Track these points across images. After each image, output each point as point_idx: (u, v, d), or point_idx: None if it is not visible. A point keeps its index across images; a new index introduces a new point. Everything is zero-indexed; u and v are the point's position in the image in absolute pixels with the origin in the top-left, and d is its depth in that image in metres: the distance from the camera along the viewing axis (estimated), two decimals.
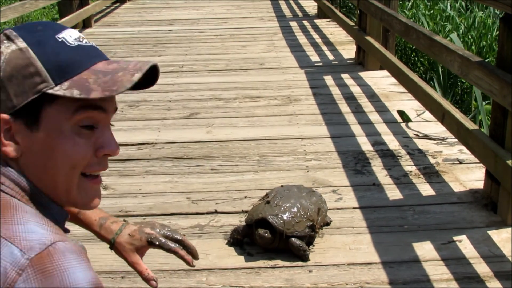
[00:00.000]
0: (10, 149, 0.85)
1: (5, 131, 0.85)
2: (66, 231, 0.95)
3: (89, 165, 0.90)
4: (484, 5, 6.88)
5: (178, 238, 1.30)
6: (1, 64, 0.84)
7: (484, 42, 5.86)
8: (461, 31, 6.31)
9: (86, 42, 0.90)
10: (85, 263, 0.79)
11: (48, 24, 0.91)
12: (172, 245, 1.28)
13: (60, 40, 0.87)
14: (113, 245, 1.27)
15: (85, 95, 0.84)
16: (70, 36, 0.89)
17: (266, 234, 2.10)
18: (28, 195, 0.86)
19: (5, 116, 0.84)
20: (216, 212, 2.48)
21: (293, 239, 2.11)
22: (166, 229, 1.30)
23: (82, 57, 0.87)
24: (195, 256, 1.32)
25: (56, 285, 0.74)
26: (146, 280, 1.26)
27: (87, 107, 0.86)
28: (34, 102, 0.84)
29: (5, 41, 0.87)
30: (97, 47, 0.93)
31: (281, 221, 2.12)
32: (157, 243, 1.27)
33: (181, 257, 1.30)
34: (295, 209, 2.17)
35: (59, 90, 0.84)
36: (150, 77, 0.94)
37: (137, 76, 0.87)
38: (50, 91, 0.84)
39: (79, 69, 0.86)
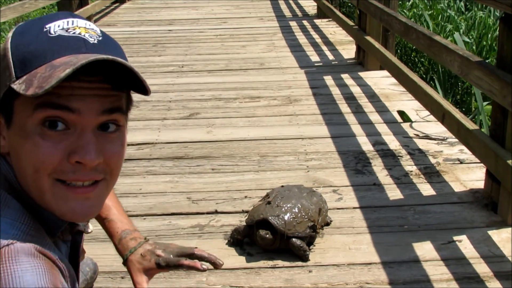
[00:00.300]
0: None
1: None
2: (76, 241, 0.92)
3: (61, 171, 0.80)
4: (484, 5, 6.88)
5: (189, 252, 1.25)
6: None
7: (484, 42, 5.86)
8: (461, 31, 6.31)
9: (75, 33, 0.81)
10: (42, 267, 0.73)
11: (52, 14, 0.85)
12: (177, 260, 1.23)
13: (45, 30, 0.81)
14: (125, 262, 1.26)
15: (24, 92, 0.76)
16: (59, 25, 0.81)
17: (267, 235, 2.10)
18: (15, 193, 0.83)
19: None
20: (216, 212, 2.48)
21: (293, 239, 2.11)
22: (176, 249, 1.26)
23: (49, 49, 0.79)
24: (214, 263, 1.25)
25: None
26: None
27: (45, 105, 0.78)
28: (7, 97, 0.80)
29: None
30: (93, 39, 0.83)
31: (282, 222, 2.11)
32: (163, 264, 1.22)
33: (188, 267, 1.24)
34: (296, 210, 2.17)
35: (16, 84, 0.78)
36: (127, 76, 0.83)
37: (68, 71, 0.75)
38: (12, 85, 0.78)
39: (40, 62, 0.78)
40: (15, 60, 0.79)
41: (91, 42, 0.82)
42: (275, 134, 3.37)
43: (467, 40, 5.73)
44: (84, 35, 0.82)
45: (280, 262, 2.11)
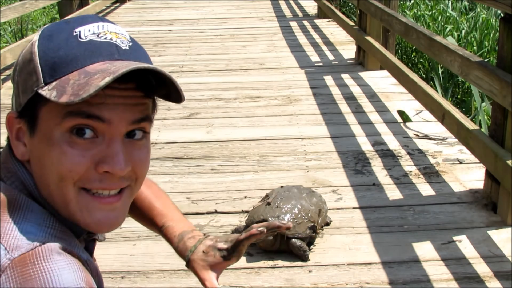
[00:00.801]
0: (18, 150, 0.79)
1: (17, 130, 0.79)
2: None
3: (88, 180, 0.77)
4: (486, 6, 6.88)
5: (248, 232, 1.11)
6: (19, 59, 0.80)
7: (486, 43, 5.86)
8: (463, 31, 6.31)
9: (106, 38, 0.79)
10: (76, 265, 0.72)
11: (82, 17, 0.82)
12: (234, 243, 1.11)
13: (74, 34, 0.77)
14: (188, 263, 1.17)
15: (56, 99, 0.73)
16: (89, 30, 0.78)
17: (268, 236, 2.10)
18: (34, 201, 0.79)
19: (12, 114, 0.79)
20: (216, 212, 2.48)
21: (293, 239, 2.11)
22: (235, 236, 1.14)
23: (81, 55, 0.76)
24: (278, 227, 1.12)
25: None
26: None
27: (76, 115, 0.75)
28: (32, 102, 0.77)
29: None
30: (124, 45, 0.81)
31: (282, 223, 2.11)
32: (227, 255, 1.12)
33: (246, 238, 1.09)
34: (296, 211, 2.17)
35: (45, 90, 0.75)
36: (160, 83, 0.81)
37: (108, 80, 0.72)
38: (40, 90, 0.75)
39: (71, 68, 0.75)
40: (44, 65, 0.76)
41: (123, 48, 0.80)
42: (275, 134, 3.38)
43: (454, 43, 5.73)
44: (116, 41, 0.79)
45: (280, 262, 2.11)
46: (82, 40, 0.77)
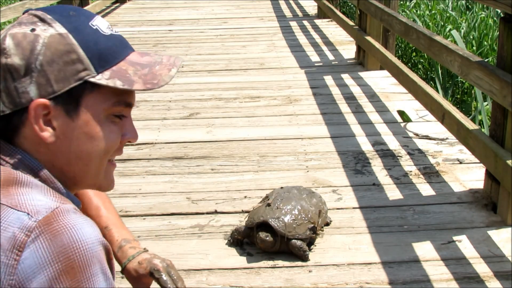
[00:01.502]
0: (47, 134, 0.85)
1: (44, 116, 0.85)
2: None
3: (115, 151, 0.94)
4: (485, 6, 6.88)
5: (179, 286, 1.27)
6: (40, 48, 0.83)
7: (485, 43, 5.86)
8: (462, 31, 6.31)
9: (115, 32, 0.91)
10: (91, 221, 0.81)
11: (79, 10, 0.90)
12: (169, 286, 1.25)
13: (94, 28, 0.87)
14: (124, 269, 1.28)
15: (128, 86, 0.86)
16: (102, 24, 0.89)
17: (268, 238, 2.10)
18: (36, 177, 0.86)
19: (45, 101, 0.83)
20: (216, 212, 2.48)
21: (293, 240, 2.11)
22: (173, 272, 1.28)
23: (117, 47, 0.88)
24: None
25: (66, 242, 0.76)
26: None
27: (123, 104, 0.90)
28: (74, 89, 0.85)
29: (39, 23, 0.85)
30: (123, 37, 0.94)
31: (283, 224, 2.11)
32: (156, 276, 1.25)
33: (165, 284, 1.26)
34: (296, 212, 2.17)
35: (101, 79, 0.85)
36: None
37: (174, 71, 0.92)
38: (92, 79, 0.85)
39: (117, 59, 0.88)
40: (90, 56, 0.84)
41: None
42: (275, 134, 3.37)
43: (461, 41, 5.73)
44: (119, 33, 0.92)
45: (280, 262, 2.11)
46: (105, 34, 0.88)
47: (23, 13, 0.88)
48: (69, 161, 0.88)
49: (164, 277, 1.25)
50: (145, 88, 0.88)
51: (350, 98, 4.04)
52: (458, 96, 5.35)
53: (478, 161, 2.70)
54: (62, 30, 0.84)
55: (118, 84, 0.86)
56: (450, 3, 7.49)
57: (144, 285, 1.27)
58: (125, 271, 1.28)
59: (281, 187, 2.39)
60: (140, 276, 1.25)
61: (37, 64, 0.83)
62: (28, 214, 0.77)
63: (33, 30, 0.84)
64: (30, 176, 0.84)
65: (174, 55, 0.95)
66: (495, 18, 6.49)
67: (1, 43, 0.83)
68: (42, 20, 0.85)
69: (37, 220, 0.76)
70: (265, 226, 2.12)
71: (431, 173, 2.82)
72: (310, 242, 2.19)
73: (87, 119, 0.87)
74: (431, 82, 5.27)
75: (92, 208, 1.30)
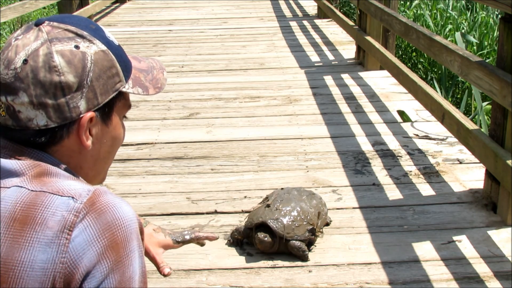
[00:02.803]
0: (89, 143, 0.92)
1: (88, 125, 0.91)
2: None
3: None
4: (485, 5, 6.88)
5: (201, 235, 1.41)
6: (90, 65, 0.88)
7: (486, 43, 5.86)
8: (463, 31, 6.31)
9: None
10: (125, 200, 0.88)
11: (92, 22, 0.95)
12: (191, 235, 1.39)
13: (111, 39, 0.94)
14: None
15: (146, 92, 0.96)
16: (110, 35, 0.95)
17: (266, 238, 2.10)
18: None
19: (93, 114, 0.90)
20: (216, 212, 2.48)
21: (292, 241, 2.11)
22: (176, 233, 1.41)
23: (127, 56, 0.96)
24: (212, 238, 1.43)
25: (110, 219, 0.82)
26: (161, 269, 1.33)
27: (129, 106, 0.99)
28: (111, 99, 0.92)
29: (78, 39, 0.88)
30: None
31: (281, 225, 2.11)
32: (180, 239, 1.38)
33: (205, 238, 1.42)
34: (295, 213, 2.17)
35: (129, 88, 0.94)
36: None
37: (166, 75, 1.02)
38: (124, 89, 0.93)
39: (131, 68, 0.96)
40: (122, 68, 0.93)
41: None
42: (274, 134, 3.37)
43: (472, 39, 5.71)
44: None
45: (280, 262, 2.11)
46: (117, 44, 0.95)
47: (37, 24, 0.88)
48: (96, 162, 0.96)
49: (185, 237, 1.38)
50: (154, 93, 0.97)
51: (350, 98, 4.04)
52: (458, 96, 5.35)
53: (478, 161, 2.70)
54: (103, 47, 0.90)
55: (140, 91, 0.95)
56: (450, 3, 7.48)
57: (164, 250, 1.36)
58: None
59: (282, 188, 2.39)
60: (161, 243, 1.35)
61: (88, 80, 0.88)
62: (73, 198, 0.83)
63: (77, 47, 0.88)
64: (56, 168, 0.90)
65: (150, 57, 1.03)
66: (494, 18, 6.49)
67: (49, 60, 0.85)
68: (80, 36, 0.89)
69: (82, 201, 0.83)
70: (264, 227, 2.12)
71: (431, 173, 2.82)
72: (310, 243, 2.19)
73: (115, 123, 0.96)
74: (431, 82, 5.26)
75: None
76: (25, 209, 0.82)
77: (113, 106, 0.94)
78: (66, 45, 0.86)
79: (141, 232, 0.89)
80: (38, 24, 0.88)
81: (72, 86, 0.86)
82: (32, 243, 0.79)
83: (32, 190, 0.83)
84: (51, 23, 0.88)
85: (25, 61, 0.84)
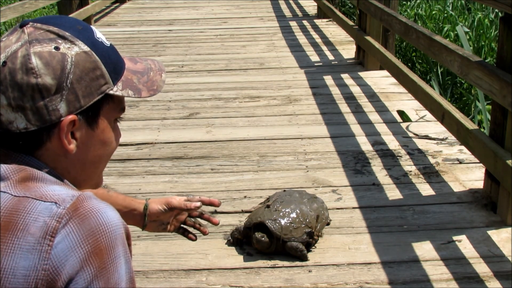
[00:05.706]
0: (72, 146, 0.90)
1: (70, 129, 0.89)
2: None
3: None
4: (483, 5, 6.88)
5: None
6: (70, 67, 0.85)
7: (483, 42, 5.86)
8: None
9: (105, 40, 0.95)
10: (111, 206, 0.86)
11: (81, 22, 0.92)
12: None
13: (100, 40, 0.91)
14: (147, 204, 1.38)
15: (137, 95, 0.93)
16: (102, 35, 0.93)
17: (263, 238, 2.10)
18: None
19: (74, 116, 0.87)
20: (215, 212, 2.48)
21: (289, 242, 2.11)
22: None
23: (119, 57, 0.94)
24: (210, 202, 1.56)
25: (94, 225, 0.81)
26: (210, 203, 1.54)
27: (123, 109, 0.96)
28: (96, 102, 0.89)
29: (59, 40, 0.85)
30: None
31: (279, 226, 2.11)
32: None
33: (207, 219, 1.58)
34: (294, 215, 2.17)
35: (117, 90, 0.91)
36: None
37: (165, 77, 0.99)
38: (111, 91, 0.90)
39: (122, 69, 0.93)
40: (109, 70, 0.90)
41: None
42: (274, 134, 3.37)
43: (466, 29, 5.74)
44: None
45: (279, 262, 2.11)
46: (107, 45, 0.92)
47: (21, 25, 0.87)
48: (84, 167, 0.94)
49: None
50: (148, 95, 0.94)
51: (350, 98, 4.04)
52: (458, 96, 5.35)
53: (478, 161, 2.70)
54: (85, 48, 0.87)
55: (131, 94, 0.92)
56: (450, 3, 7.48)
57: (171, 203, 1.43)
58: (149, 206, 1.38)
59: (284, 190, 2.39)
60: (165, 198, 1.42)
61: (68, 82, 0.85)
62: (56, 203, 0.81)
63: (57, 48, 0.85)
64: (42, 172, 0.88)
65: (151, 58, 1.00)
66: (492, 18, 6.49)
67: (26, 62, 0.83)
68: (62, 37, 0.86)
69: (65, 207, 0.81)
70: (262, 227, 2.13)
71: (431, 173, 2.82)
72: (308, 246, 2.17)
73: (104, 127, 0.93)
74: (431, 82, 5.26)
75: (120, 198, 1.39)
76: (7, 215, 0.80)
77: (100, 109, 0.91)
78: (45, 46, 0.84)
79: (128, 238, 0.87)
80: (22, 25, 0.87)
81: (51, 89, 0.84)
82: (13, 250, 0.78)
83: (15, 196, 0.82)
84: (35, 24, 0.86)
85: (4, 63, 0.83)
